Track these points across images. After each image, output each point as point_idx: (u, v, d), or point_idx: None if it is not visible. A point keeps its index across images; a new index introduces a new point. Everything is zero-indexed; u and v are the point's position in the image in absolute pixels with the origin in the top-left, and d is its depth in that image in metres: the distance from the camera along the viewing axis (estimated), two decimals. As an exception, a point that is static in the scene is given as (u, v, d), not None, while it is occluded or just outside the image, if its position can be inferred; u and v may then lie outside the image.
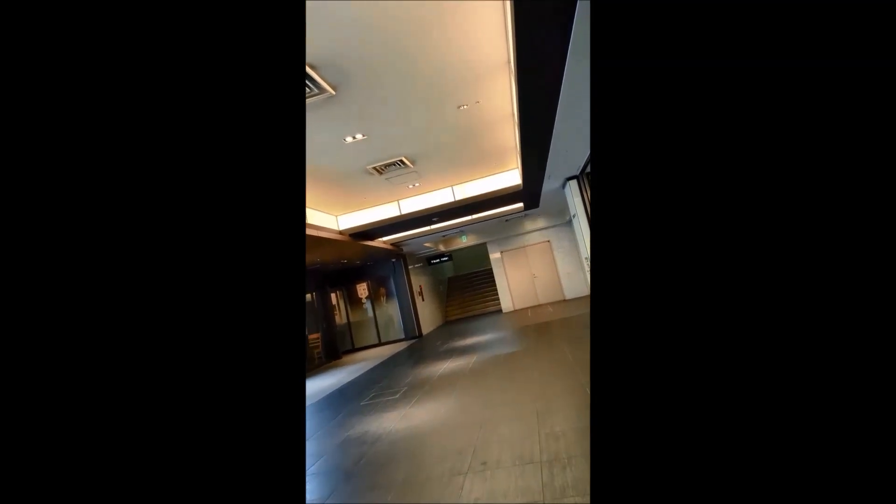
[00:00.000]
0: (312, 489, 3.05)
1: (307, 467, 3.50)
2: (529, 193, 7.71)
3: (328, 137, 4.35)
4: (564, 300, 12.64)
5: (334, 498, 2.83)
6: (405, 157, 5.41)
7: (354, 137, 4.45)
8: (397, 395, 5.27)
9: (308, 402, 6.06)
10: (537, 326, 8.67)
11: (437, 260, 14.01)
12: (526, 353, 6.30)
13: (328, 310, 11.27)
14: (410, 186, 6.81)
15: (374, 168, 5.52)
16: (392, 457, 3.31)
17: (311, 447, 4.02)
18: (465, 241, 12.98)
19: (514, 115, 4.56)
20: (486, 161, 6.39)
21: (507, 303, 13.26)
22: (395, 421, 4.24)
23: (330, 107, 3.70)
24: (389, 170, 5.72)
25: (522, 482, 2.46)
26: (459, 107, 4.24)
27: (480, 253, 14.73)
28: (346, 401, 5.69)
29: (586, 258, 7.26)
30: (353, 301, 12.40)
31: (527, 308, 12.78)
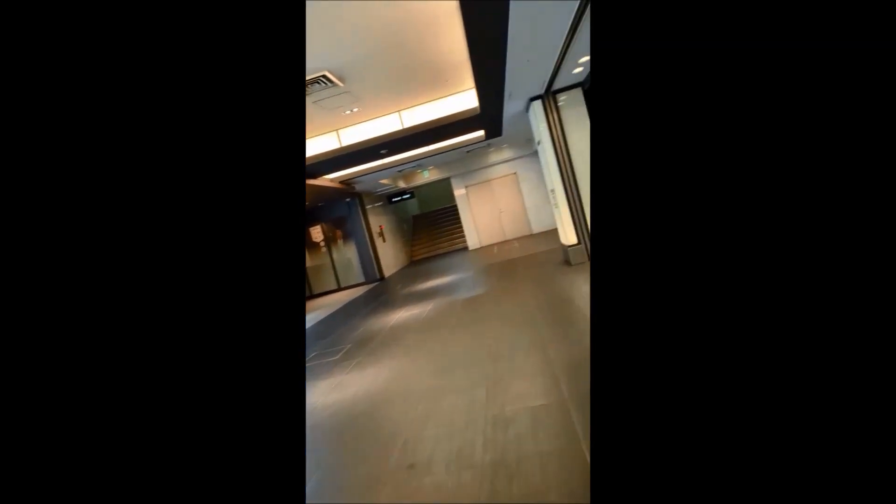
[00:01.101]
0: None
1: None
2: (489, 118, 6.75)
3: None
4: (531, 234, 12.24)
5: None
6: (329, 73, 4.33)
7: (248, 41, 3.36)
8: (338, 356, 4.66)
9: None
10: (501, 265, 8.18)
11: (399, 198, 13.11)
12: (486, 297, 5.78)
13: (280, 256, 10.43)
14: (348, 112, 5.73)
15: (293, 87, 4.44)
16: (311, 445, 2.72)
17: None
18: (426, 177, 12.02)
19: (459, 7, 3.52)
20: (435, 79, 5.35)
21: (473, 240, 12.71)
22: (324, 393, 3.65)
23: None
24: (314, 90, 4.63)
25: (458, 495, 1.88)
26: (383, -6, 3.18)
27: (446, 189, 13.84)
28: (285, 362, 5.06)
29: (551, 190, 6.55)
30: (308, 245, 11.53)
31: (493, 244, 12.32)
